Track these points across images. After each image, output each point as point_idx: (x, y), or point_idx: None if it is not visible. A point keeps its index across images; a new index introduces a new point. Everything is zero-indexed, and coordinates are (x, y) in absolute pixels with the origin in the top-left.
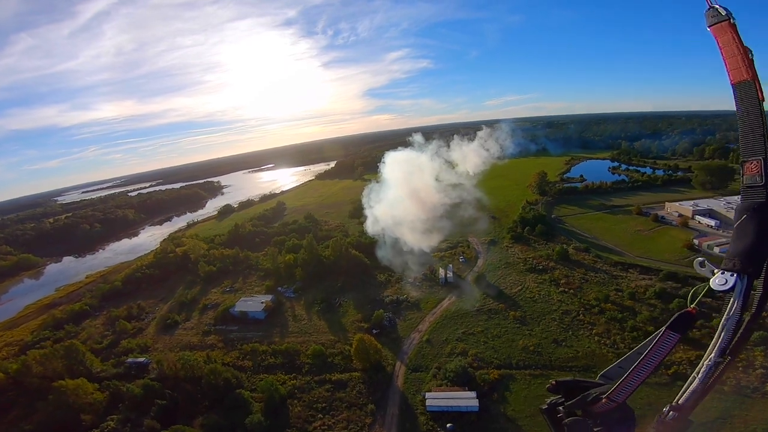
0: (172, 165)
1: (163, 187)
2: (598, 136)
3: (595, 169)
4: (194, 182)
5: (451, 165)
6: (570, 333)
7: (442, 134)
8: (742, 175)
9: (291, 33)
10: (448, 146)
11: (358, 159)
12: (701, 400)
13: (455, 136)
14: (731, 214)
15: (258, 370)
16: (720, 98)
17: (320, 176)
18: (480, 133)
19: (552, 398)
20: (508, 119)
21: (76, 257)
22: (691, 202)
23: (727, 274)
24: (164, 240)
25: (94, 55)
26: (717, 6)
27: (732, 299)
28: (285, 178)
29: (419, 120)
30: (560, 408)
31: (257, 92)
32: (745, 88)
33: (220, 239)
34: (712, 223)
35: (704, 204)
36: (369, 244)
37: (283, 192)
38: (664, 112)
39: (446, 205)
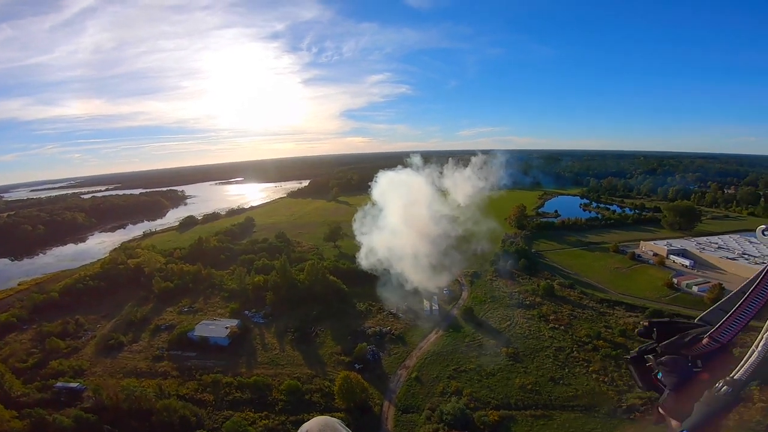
0: (135, 170)
1: (120, 192)
2: (568, 172)
3: (567, 204)
4: (156, 189)
5: (443, 193)
6: (566, 370)
7: (437, 159)
8: None
9: (275, 47)
10: (441, 172)
11: (333, 180)
12: (758, 376)
13: (449, 160)
14: (704, 255)
15: (221, 405)
16: (674, 142)
17: (293, 194)
18: (474, 160)
19: (641, 345)
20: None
21: (12, 260)
22: (665, 241)
23: None
24: (115, 249)
25: (71, 51)
26: None
27: None
28: (254, 193)
29: (393, 145)
30: (649, 356)
31: (234, 103)
32: None
33: (180, 253)
34: (687, 262)
35: (677, 244)
36: (347, 270)
37: (252, 207)
38: (625, 151)
39: (451, 238)
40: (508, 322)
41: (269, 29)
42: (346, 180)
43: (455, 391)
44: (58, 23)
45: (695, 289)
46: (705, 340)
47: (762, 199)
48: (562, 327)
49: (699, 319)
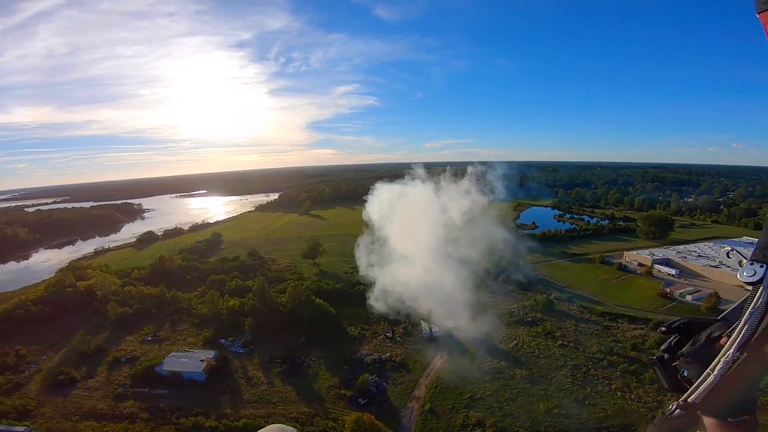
0: (86, 181)
1: (69, 205)
2: (536, 183)
3: (542, 216)
4: (109, 202)
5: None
6: (589, 390)
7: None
8: None
9: (241, 56)
10: (436, 185)
11: (304, 192)
12: (716, 399)
13: (447, 170)
14: (687, 263)
15: None
16: (626, 153)
17: (262, 208)
18: (471, 170)
19: (664, 346)
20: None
21: None
22: (647, 251)
23: (756, 265)
24: (62, 269)
25: (20, 56)
26: None
27: (758, 292)
28: (219, 207)
29: (359, 157)
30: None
31: (196, 112)
32: None
33: (138, 273)
34: (673, 272)
35: (660, 253)
36: (332, 291)
37: (218, 222)
38: (584, 162)
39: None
40: (515, 341)
41: (235, 38)
42: (317, 193)
43: (477, 423)
44: (11, 26)
45: (689, 298)
46: (723, 339)
47: (722, 207)
48: (572, 344)
49: (721, 317)
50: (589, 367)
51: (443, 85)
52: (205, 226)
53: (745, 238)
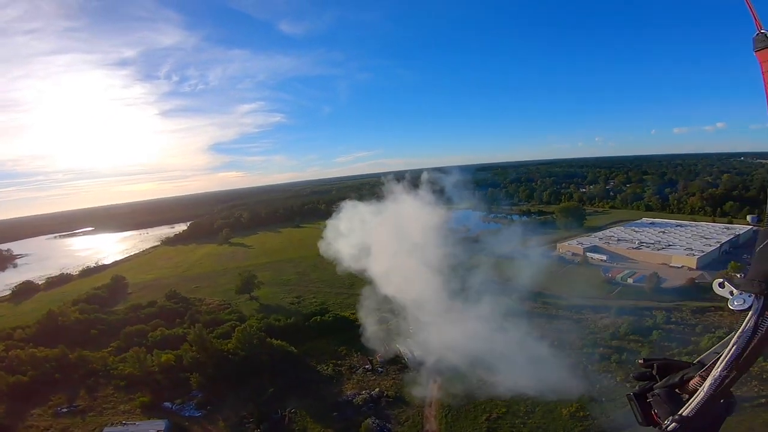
0: None
1: None
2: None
3: (467, 218)
4: None
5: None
6: (597, 386)
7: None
8: (767, 202)
9: (125, 74)
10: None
11: (219, 220)
12: (706, 414)
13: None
14: (612, 248)
15: None
16: (515, 152)
17: (169, 241)
18: (424, 177)
19: (641, 384)
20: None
21: None
22: (575, 240)
23: (746, 295)
24: None
25: None
26: (766, 31)
27: (747, 317)
28: (113, 245)
29: (270, 178)
30: (648, 393)
31: (70, 139)
32: None
33: (23, 333)
34: (604, 257)
35: (586, 242)
36: (285, 327)
37: (116, 263)
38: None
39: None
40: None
41: (116, 55)
42: (234, 219)
43: None
44: None
45: (630, 281)
46: (696, 380)
47: (612, 193)
48: (556, 343)
49: (697, 361)
50: (584, 363)
51: (350, 98)
52: (101, 268)
53: (644, 219)
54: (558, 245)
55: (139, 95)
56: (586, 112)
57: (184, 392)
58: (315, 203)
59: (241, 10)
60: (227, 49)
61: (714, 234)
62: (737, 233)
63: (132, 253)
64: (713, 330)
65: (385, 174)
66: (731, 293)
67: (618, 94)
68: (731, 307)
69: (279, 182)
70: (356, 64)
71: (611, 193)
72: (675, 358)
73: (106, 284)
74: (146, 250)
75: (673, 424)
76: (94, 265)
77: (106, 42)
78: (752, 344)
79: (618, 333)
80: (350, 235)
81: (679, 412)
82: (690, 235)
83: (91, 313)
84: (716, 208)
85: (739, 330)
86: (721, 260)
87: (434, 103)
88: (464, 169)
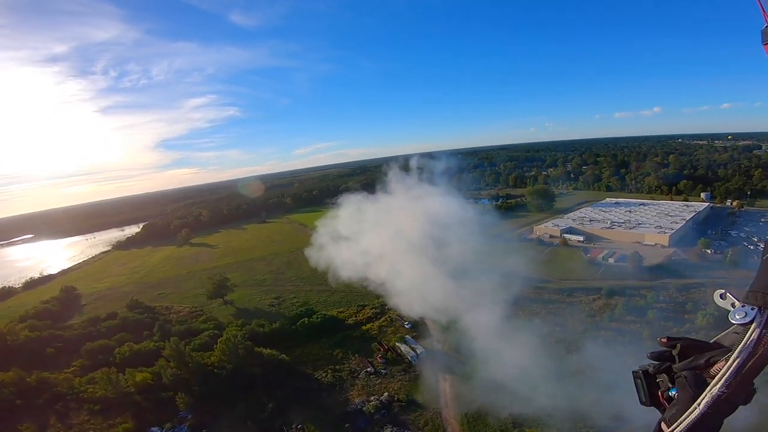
0: None
1: None
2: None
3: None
4: None
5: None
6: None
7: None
8: None
9: (57, 71)
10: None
11: (176, 220)
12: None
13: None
14: (587, 228)
15: None
16: (473, 137)
17: (122, 245)
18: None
19: (654, 363)
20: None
21: None
22: (550, 222)
23: (747, 307)
24: None
25: None
26: None
27: (750, 331)
28: (57, 253)
29: (226, 173)
30: (664, 375)
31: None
32: None
33: None
34: (581, 238)
35: (562, 223)
36: (272, 333)
37: (64, 272)
38: (446, 150)
39: None
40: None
41: (46, 51)
42: (193, 218)
43: None
44: None
45: (611, 261)
46: (720, 364)
47: (573, 175)
48: (558, 328)
49: (713, 341)
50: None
51: (309, 90)
52: (46, 279)
53: (608, 200)
54: (535, 228)
55: (74, 92)
56: (536, 99)
57: (170, 414)
58: (279, 197)
59: (187, 2)
60: (172, 42)
61: (676, 212)
62: (697, 210)
63: (81, 261)
64: (703, 307)
65: (345, 164)
66: (733, 305)
67: (564, 80)
68: (732, 321)
69: (236, 177)
70: (315, 55)
71: (572, 175)
72: (698, 339)
73: (55, 296)
74: (96, 256)
75: None
76: (39, 275)
77: (33, 38)
78: (754, 359)
79: (615, 315)
80: (357, 239)
81: (670, 429)
82: (655, 213)
83: (44, 329)
84: (671, 186)
85: (741, 344)
86: (690, 237)
87: (393, 93)
88: (425, 156)
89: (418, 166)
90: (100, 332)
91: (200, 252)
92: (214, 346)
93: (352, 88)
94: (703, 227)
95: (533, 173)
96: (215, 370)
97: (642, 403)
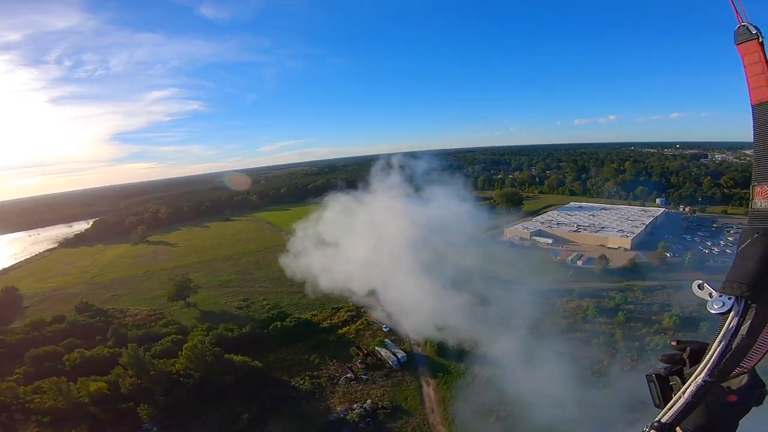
0: None
1: None
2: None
3: None
4: None
5: None
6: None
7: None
8: (751, 198)
9: (7, 59)
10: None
11: (131, 216)
12: (683, 420)
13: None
14: (554, 231)
15: None
16: (443, 139)
17: (69, 242)
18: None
19: (666, 366)
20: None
21: None
22: (520, 225)
23: (725, 297)
24: None
25: None
26: (748, 24)
27: (727, 321)
28: None
29: (186, 168)
30: (677, 378)
31: None
32: (766, 108)
33: None
34: (549, 240)
35: (531, 226)
36: (242, 338)
37: (4, 270)
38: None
39: None
40: None
41: None
42: (150, 214)
43: None
44: None
45: (579, 263)
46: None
47: (538, 179)
48: (535, 330)
49: None
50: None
51: (278, 87)
52: None
53: (572, 204)
54: (506, 230)
55: (24, 81)
56: (501, 103)
57: (132, 427)
58: (245, 194)
59: None
60: (135, 32)
61: (635, 216)
62: (654, 215)
63: (22, 258)
64: (669, 308)
65: (313, 163)
66: (710, 295)
67: (528, 85)
68: (710, 311)
69: (198, 173)
70: (286, 51)
71: (537, 179)
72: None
73: None
74: (41, 253)
75: (651, 431)
76: None
77: None
78: (734, 347)
79: (587, 316)
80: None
81: (657, 419)
82: (616, 218)
83: None
84: (629, 192)
85: (720, 334)
86: (649, 240)
87: (362, 93)
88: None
89: (390, 166)
90: (46, 337)
91: (158, 251)
92: (179, 353)
93: (322, 86)
94: (661, 231)
95: (500, 176)
96: (181, 379)
97: (656, 405)
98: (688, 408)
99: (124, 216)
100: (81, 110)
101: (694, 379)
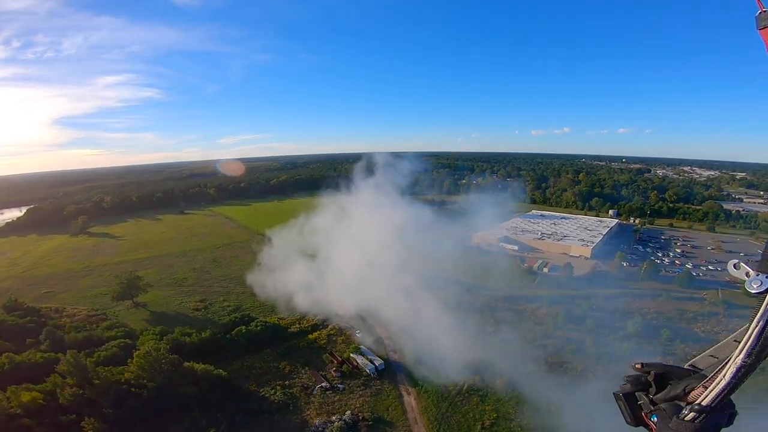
0: None
1: None
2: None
3: None
4: None
5: None
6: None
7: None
8: None
9: None
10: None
11: (71, 205)
12: (724, 402)
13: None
14: (520, 238)
15: None
16: (406, 142)
17: None
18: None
19: (631, 384)
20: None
21: None
22: (488, 231)
23: (762, 276)
24: None
25: None
26: None
27: (765, 300)
28: None
29: (136, 157)
30: (644, 396)
31: None
32: None
33: None
34: (515, 247)
35: (498, 232)
36: (202, 344)
37: None
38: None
39: None
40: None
41: None
42: (93, 203)
43: None
44: None
45: (546, 270)
46: (698, 390)
47: (500, 186)
48: (510, 338)
49: (689, 365)
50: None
51: (243, 79)
52: None
53: (534, 211)
54: (474, 235)
55: None
56: (463, 110)
57: None
58: (201, 186)
59: None
60: (94, 15)
61: (593, 226)
62: (609, 225)
63: None
64: (631, 315)
65: (274, 158)
66: (747, 275)
67: (489, 94)
68: (748, 289)
69: (149, 162)
70: (255, 43)
71: (499, 186)
72: (673, 365)
73: None
74: None
75: (692, 413)
76: None
77: None
78: None
79: (558, 323)
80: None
81: (698, 401)
82: (576, 227)
83: None
84: (585, 202)
85: (759, 314)
86: (606, 250)
87: (330, 90)
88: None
89: (359, 167)
90: None
91: (101, 243)
92: (128, 360)
93: (290, 82)
94: (616, 241)
95: (465, 181)
96: (132, 389)
97: (628, 423)
98: (729, 389)
99: (63, 204)
100: (23, 92)
101: (734, 360)
